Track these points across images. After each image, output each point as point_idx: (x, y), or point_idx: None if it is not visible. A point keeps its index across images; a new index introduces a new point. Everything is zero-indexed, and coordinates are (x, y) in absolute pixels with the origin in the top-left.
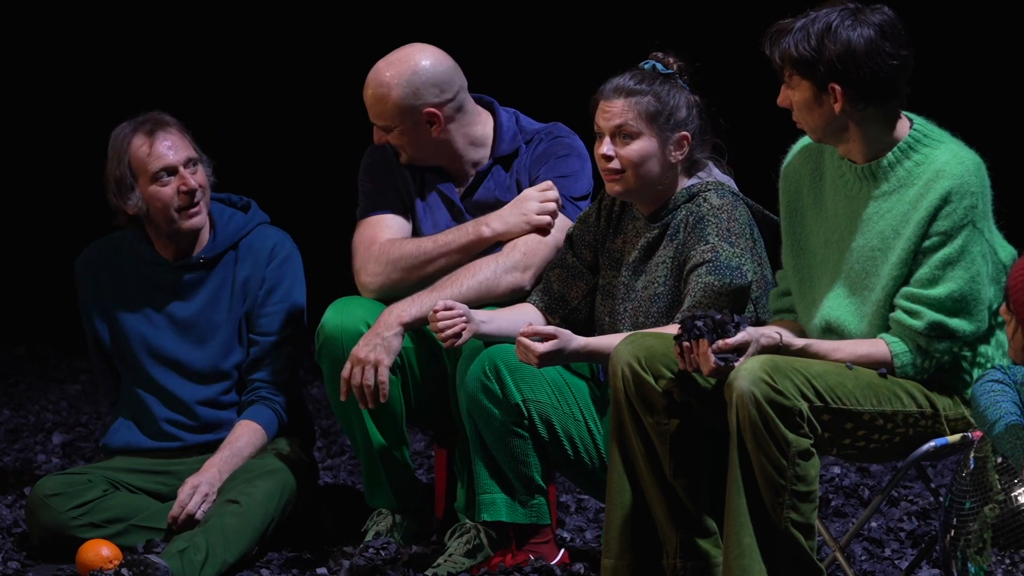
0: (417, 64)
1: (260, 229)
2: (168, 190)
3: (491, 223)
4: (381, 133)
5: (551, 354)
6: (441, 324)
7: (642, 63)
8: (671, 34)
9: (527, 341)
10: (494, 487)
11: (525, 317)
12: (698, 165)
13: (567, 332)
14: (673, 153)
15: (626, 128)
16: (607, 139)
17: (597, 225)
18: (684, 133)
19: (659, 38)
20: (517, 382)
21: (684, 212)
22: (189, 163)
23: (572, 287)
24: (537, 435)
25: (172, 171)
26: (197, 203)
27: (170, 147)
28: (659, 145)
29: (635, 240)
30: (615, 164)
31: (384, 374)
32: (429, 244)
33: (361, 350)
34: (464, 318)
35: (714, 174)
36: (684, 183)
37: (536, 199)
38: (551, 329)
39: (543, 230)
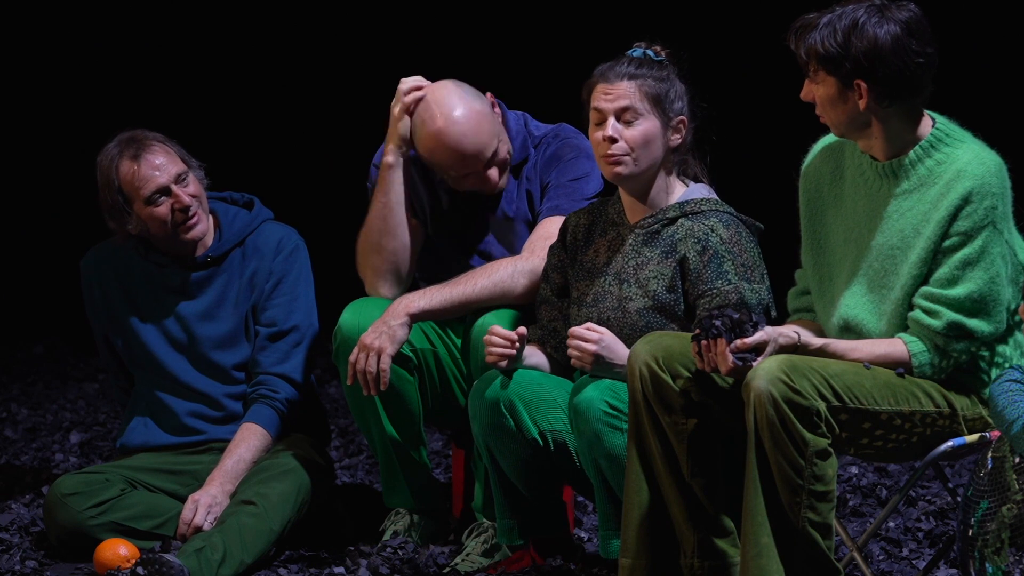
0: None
1: (266, 225)
2: (163, 209)
3: (387, 153)
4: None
5: (604, 349)
6: (492, 348)
7: (629, 51)
8: (679, 34)
9: (581, 333)
10: (512, 512)
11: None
12: (686, 164)
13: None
14: (672, 137)
15: (632, 109)
16: (611, 120)
17: (563, 248)
18: (682, 117)
19: (667, 38)
20: (532, 414)
21: (683, 232)
22: (179, 179)
23: (556, 318)
24: (555, 462)
25: (165, 191)
26: (194, 214)
27: (157, 167)
28: (661, 127)
29: (618, 246)
30: (620, 146)
31: (386, 362)
32: (371, 208)
33: (368, 336)
34: (514, 348)
35: (696, 189)
36: (676, 189)
37: (400, 94)
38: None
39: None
